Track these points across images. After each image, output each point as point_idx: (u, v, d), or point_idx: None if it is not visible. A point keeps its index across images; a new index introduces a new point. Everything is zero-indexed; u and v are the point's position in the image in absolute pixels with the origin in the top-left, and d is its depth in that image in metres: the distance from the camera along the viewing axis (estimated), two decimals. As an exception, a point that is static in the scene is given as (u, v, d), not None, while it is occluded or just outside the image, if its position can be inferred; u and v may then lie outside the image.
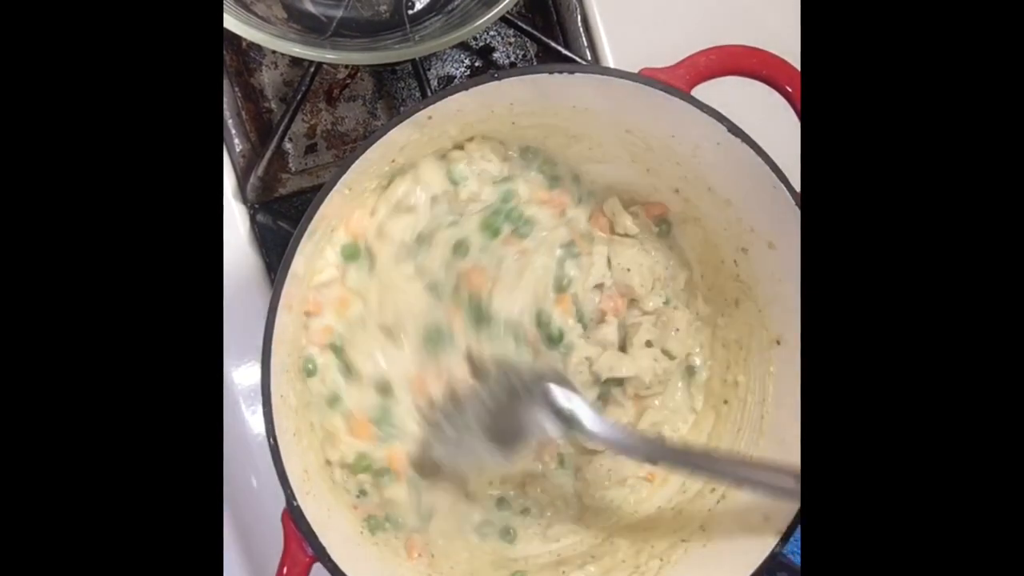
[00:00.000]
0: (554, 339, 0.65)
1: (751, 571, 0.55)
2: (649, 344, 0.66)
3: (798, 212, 0.55)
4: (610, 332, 0.66)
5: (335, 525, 0.56)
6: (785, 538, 0.55)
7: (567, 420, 0.56)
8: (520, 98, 0.56)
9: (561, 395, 0.56)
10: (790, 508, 0.55)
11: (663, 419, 0.67)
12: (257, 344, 0.51)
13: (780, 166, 0.55)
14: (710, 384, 0.68)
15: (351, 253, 0.61)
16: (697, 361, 0.68)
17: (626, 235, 0.66)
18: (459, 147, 0.62)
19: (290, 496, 0.51)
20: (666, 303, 0.67)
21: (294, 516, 0.51)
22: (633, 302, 0.67)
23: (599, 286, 0.67)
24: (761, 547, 0.55)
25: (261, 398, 0.51)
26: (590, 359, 0.66)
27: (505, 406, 0.58)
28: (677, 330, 0.67)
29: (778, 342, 0.62)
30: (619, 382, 0.67)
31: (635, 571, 0.62)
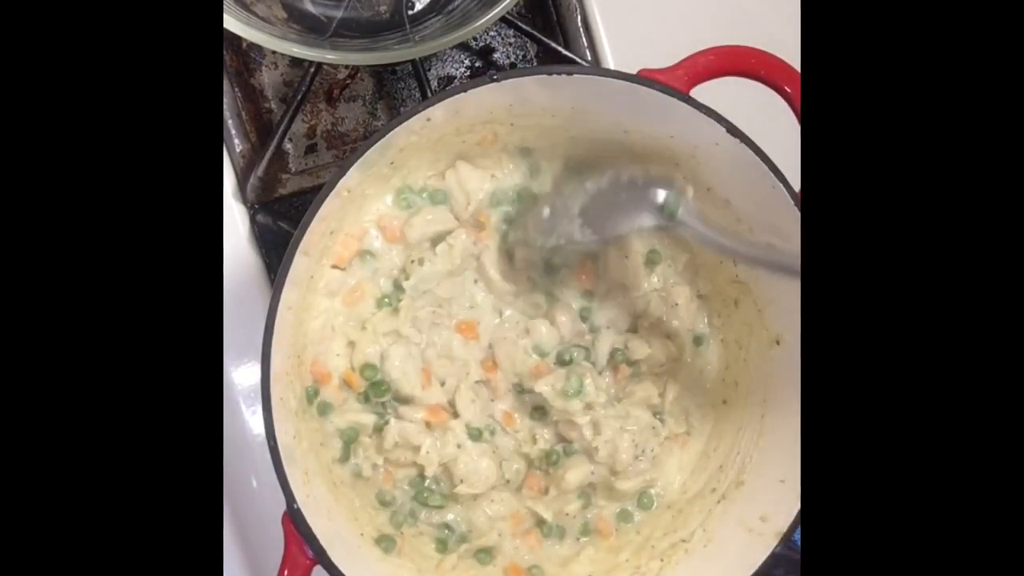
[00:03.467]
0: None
1: (751, 571, 0.55)
2: (660, 320, 0.66)
3: (798, 212, 0.55)
4: (623, 317, 0.66)
5: (336, 527, 0.56)
6: (785, 539, 0.55)
7: (664, 215, 0.58)
8: (519, 99, 0.56)
9: (665, 195, 0.58)
10: (790, 509, 0.55)
11: (685, 390, 0.68)
12: (257, 344, 0.51)
13: (780, 166, 0.55)
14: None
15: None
16: (705, 331, 0.68)
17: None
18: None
19: (290, 499, 0.51)
20: (664, 283, 0.68)
21: (294, 519, 0.51)
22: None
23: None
24: (761, 547, 0.56)
25: (261, 400, 0.51)
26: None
27: (606, 192, 0.59)
28: (676, 304, 0.67)
29: (778, 342, 0.62)
30: (634, 362, 0.67)
31: (635, 571, 0.62)
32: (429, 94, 0.72)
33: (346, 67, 0.78)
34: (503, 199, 0.65)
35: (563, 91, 0.56)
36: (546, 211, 0.61)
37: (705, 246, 0.61)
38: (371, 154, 0.53)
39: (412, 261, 0.63)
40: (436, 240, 0.64)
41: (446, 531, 0.64)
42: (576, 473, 0.64)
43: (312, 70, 0.70)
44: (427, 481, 0.63)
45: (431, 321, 0.63)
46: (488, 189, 0.64)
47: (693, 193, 0.59)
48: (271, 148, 0.70)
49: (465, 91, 0.53)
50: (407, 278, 0.63)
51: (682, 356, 0.67)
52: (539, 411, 0.66)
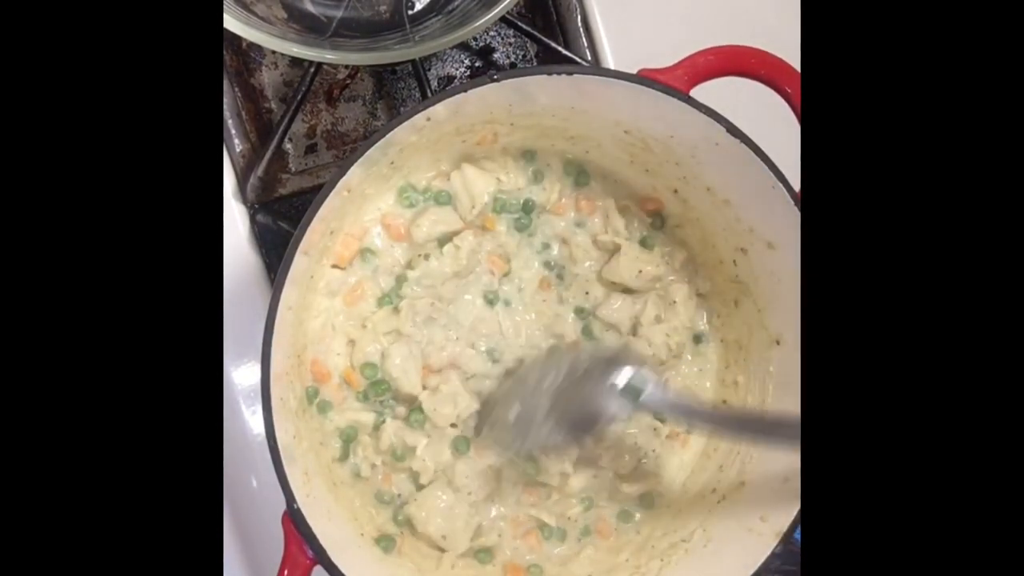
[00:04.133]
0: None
1: (751, 571, 0.55)
2: (659, 319, 0.66)
3: (797, 212, 0.55)
4: (622, 320, 0.66)
5: (336, 527, 0.56)
6: (785, 538, 0.55)
7: (634, 397, 0.57)
8: (519, 99, 0.56)
9: (630, 373, 0.58)
10: (789, 509, 0.55)
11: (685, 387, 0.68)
12: (257, 344, 0.51)
13: (780, 166, 0.55)
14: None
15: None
16: (704, 330, 0.68)
17: (613, 239, 0.66)
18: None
19: (290, 499, 0.51)
20: (660, 280, 0.68)
21: (294, 519, 0.51)
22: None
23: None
24: (761, 547, 0.56)
25: (261, 400, 0.51)
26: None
27: (567, 388, 0.59)
28: (674, 302, 0.67)
29: (778, 342, 0.62)
30: None
31: (636, 571, 0.62)
32: (429, 94, 0.72)
33: (346, 67, 0.78)
34: (508, 207, 0.65)
35: (563, 91, 0.56)
36: (513, 413, 0.61)
37: (678, 419, 0.62)
38: (372, 153, 0.53)
39: (419, 256, 0.64)
40: (443, 241, 0.64)
41: None
42: (579, 479, 0.64)
43: (312, 70, 0.70)
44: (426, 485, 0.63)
45: (428, 315, 0.63)
46: (493, 192, 0.64)
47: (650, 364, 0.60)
48: (271, 148, 0.70)
49: (466, 91, 0.53)
50: (412, 268, 0.63)
51: (682, 354, 0.67)
52: None
